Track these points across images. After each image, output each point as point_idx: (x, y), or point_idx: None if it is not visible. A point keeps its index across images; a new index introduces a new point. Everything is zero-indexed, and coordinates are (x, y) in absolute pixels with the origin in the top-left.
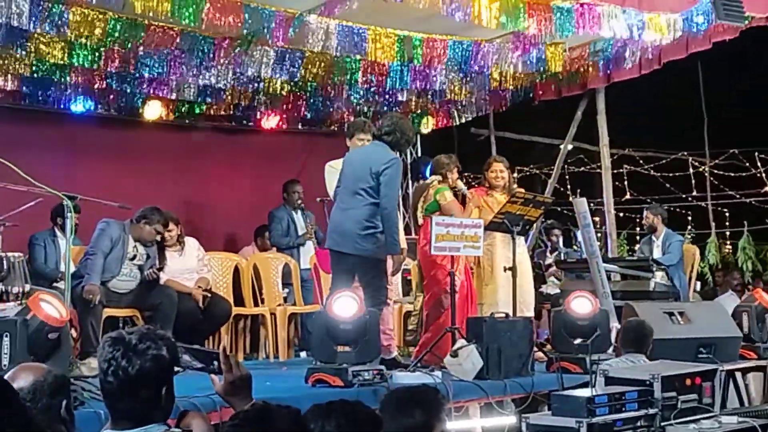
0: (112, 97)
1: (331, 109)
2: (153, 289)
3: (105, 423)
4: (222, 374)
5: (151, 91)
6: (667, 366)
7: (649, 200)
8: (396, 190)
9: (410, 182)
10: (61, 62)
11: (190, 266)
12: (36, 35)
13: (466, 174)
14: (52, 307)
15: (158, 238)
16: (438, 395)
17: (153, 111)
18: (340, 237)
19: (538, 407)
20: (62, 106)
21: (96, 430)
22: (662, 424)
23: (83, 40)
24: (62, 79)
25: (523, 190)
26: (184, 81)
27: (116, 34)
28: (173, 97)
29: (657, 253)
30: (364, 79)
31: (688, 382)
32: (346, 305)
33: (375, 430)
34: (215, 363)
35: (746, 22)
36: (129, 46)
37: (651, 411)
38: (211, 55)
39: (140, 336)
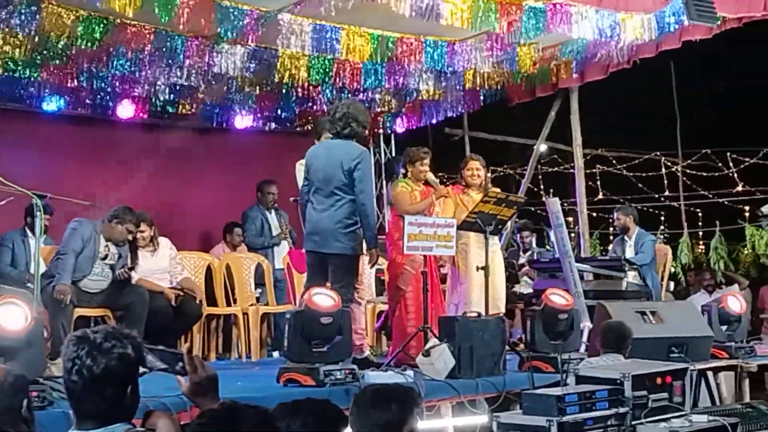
0: (84, 95)
1: (305, 109)
2: (124, 289)
3: (73, 423)
4: (188, 375)
5: (124, 90)
6: (638, 365)
7: (621, 200)
8: (371, 183)
9: (384, 182)
10: (32, 60)
11: (162, 266)
12: (5, 33)
13: (440, 174)
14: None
15: (130, 237)
16: (412, 392)
17: (125, 110)
18: (321, 238)
19: (510, 406)
20: (34, 105)
21: (64, 430)
22: (633, 422)
23: (54, 39)
24: (34, 78)
25: (498, 190)
26: (157, 80)
27: (88, 33)
28: (146, 96)
29: (629, 253)
30: (337, 78)
31: (659, 381)
32: (325, 300)
33: (341, 428)
34: (180, 364)
35: (718, 22)
36: (98, 45)
37: (621, 410)
38: (184, 54)
39: (105, 335)
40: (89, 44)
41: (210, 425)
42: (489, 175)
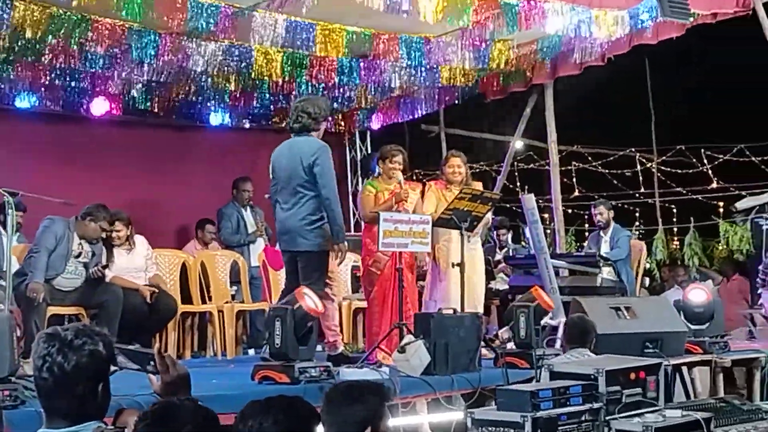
0: (57, 93)
1: (280, 105)
2: (98, 287)
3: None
4: (159, 374)
5: (98, 87)
6: (612, 360)
7: (597, 197)
8: (332, 177)
9: (360, 179)
10: (5, 57)
11: (138, 265)
12: None
13: (416, 170)
14: None
15: (103, 235)
16: (383, 388)
17: (99, 107)
18: (289, 237)
19: (486, 402)
20: (6, 102)
21: (35, 429)
22: (607, 418)
23: (27, 35)
24: (6, 75)
25: (480, 184)
26: (131, 77)
27: (61, 30)
28: (120, 93)
29: (605, 248)
30: (313, 74)
31: (633, 376)
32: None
33: (313, 425)
34: (151, 363)
35: (691, 19)
36: (73, 43)
37: (595, 405)
38: (157, 51)
39: (76, 332)
40: (62, 41)
41: (154, 425)
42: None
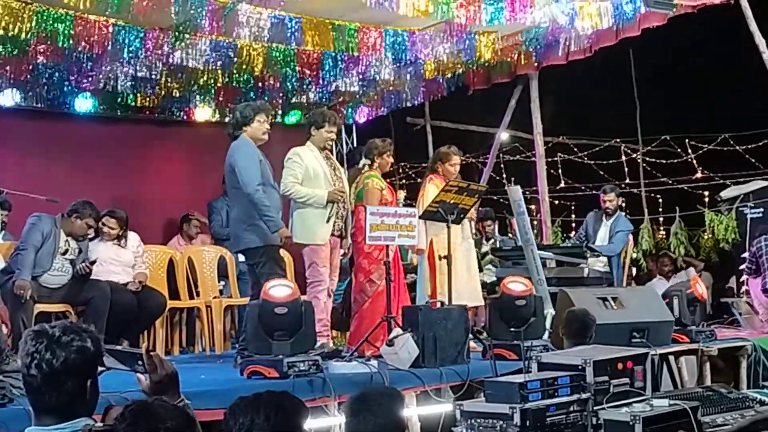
0: (41, 89)
1: (266, 100)
2: (85, 284)
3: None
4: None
5: (81, 83)
6: (599, 351)
7: (583, 188)
8: (249, 171)
9: (347, 172)
10: None
11: (125, 259)
12: None
13: (402, 164)
14: None
15: (90, 232)
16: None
17: (83, 103)
18: (233, 238)
19: (475, 394)
20: None
21: (24, 426)
22: (595, 408)
23: (9, 31)
24: None
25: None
26: (115, 73)
27: (43, 26)
28: (104, 89)
29: (603, 233)
30: (298, 68)
31: (620, 366)
32: (281, 291)
33: (302, 418)
34: (140, 363)
35: (674, 9)
36: (61, 40)
37: (583, 395)
38: (142, 47)
39: (63, 328)
40: (45, 37)
41: (134, 425)
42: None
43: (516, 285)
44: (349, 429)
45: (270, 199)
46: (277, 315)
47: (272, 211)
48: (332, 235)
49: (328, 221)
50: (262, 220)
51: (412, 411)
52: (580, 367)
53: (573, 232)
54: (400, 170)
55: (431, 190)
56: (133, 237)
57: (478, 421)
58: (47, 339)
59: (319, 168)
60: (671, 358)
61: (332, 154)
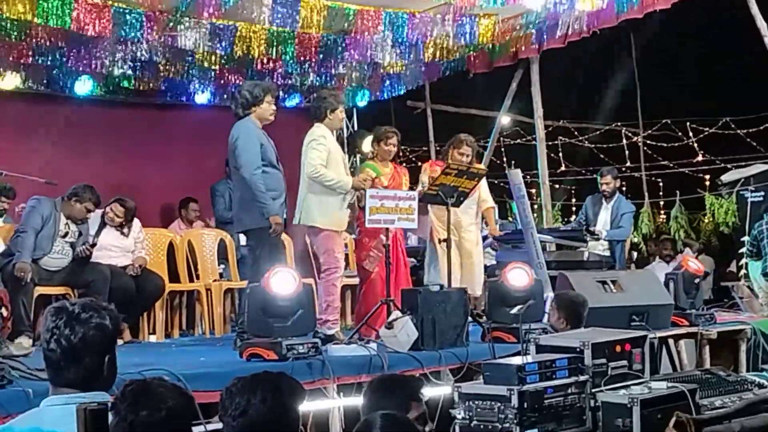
0: (41, 72)
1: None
2: (85, 267)
3: (33, 401)
4: None
5: (82, 67)
6: (598, 333)
7: (583, 171)
8: (248, 152)
9: (347, 155)
10: None
11: (126, 244)
12: None
13: (403, 147)
14: None
15: (89, 216)
16: (419, 379)
17: (83, 87)
18: (236, 219)
19: (473, 377)
20: None
21: (23, 409)
22: (592, 390)
23: (9, 15)
24: None
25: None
26: (115, 56)
27: (43, 12)
28: (104, 72)
29: (604, 216)
30: (298, 51)
31: (618, 348)
32: (284, 281)
33: (299, 399)
34: None
35: None
36: (61, 23)
37: (581, 378)
38: (142, 29)
39: (83, 306)
40: (46, 21)
41: (136, 404)
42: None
43: (516, 279)
44: (371, 405)
45: (272, 182)
46: (280, 306)
47: (267, 196)
48: None
49: (348, 207)
50: (258, 204)
51: None
52: (578, 350)
53: (573, 216)
54: (401, 154)
55: (424, 178)
56: (134, 223)
57: (476, 402)
58: (67, 315)
59: (338, 153)
60: (671, 341)
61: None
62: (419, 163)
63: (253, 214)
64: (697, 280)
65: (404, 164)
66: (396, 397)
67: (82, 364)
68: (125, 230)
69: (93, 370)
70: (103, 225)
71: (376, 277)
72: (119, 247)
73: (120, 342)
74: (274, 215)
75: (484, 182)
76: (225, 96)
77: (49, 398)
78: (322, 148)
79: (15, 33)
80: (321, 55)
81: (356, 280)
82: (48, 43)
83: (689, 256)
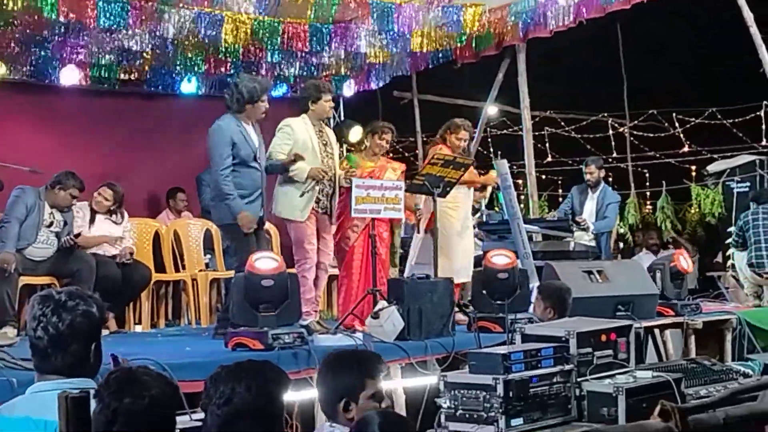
0: (26, 61)
1: (253, 73)
2: (71, 256)
3: (17, 390)
4: None
5: (67, 56)
6: (583, 322)
7: (570, 162)
8: (217, 152)
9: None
10: None
11: (115, 234)
12: None
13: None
14: None
15: (74, 203)
16: (367, 360)
17: (69, 76)
18: (212, 213)
19: (459, 366)
20: None
21: (8, 398)
22: (578, 379)
23: None
24: None
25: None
26: (101, 45)
27: (28, 1)
28: (90, 61)
29: (590, 206)
30: (285, 41)
31: (604, 338)
32: (267, 264)
33: (283, 388)
34: None
35: None
36: (47, 11)
37: (567, 367)
38: (127, 18)
39: (69, 294)
40: (30, 10)
41: (120, 392)
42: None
43: (499, 258)
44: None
45: (244, 180)
46: (263, 287)
47: (232, 196)
48: (321, 213)
49: (301, 196)
50: (223, 202)
51: (397, 383)
52: (563, 339)
53: (568, 196)
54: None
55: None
56: (123, 212)
57: (462, 392)
58: (54, 303)
59: (309, 141)
60: (656, 331)
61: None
62: (406, 154)
63: (222, 210)
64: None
65: (390, 154)
66: (352, 374)
67: (69, 351)
68: (116, 217)
69: (80, 357)
70: (93, 214)
71: (355, 261)
72: (114, 238)
73: (106, 332)
74: (240, 213)
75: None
76: (212, 86)
77: (35, 385)
78: (284, 137)
79: (1, 22)
80: (308, 45)
81: None
82: (34, 32)
83: (682, 251)
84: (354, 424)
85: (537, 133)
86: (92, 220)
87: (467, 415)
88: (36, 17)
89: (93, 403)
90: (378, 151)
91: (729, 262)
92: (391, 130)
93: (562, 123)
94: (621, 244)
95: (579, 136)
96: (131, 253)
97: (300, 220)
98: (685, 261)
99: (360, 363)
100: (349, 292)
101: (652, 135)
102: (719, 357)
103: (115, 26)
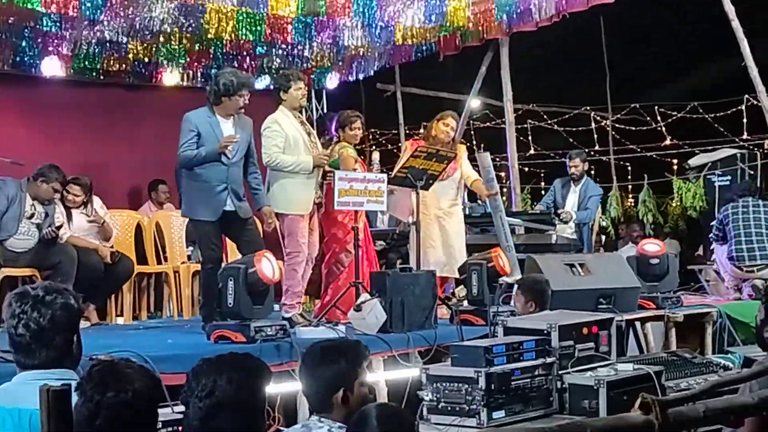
0: (7, 52)
1: (236, 65)
2: (52, 248)
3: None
4: None
5: (48, 47)
6: (565, 315)
7: (552, 155)
8: (180, 146)
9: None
10: None
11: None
12: None
13: (372, 130)
14: None
15: (56, 196)
16: (358, 350)
17: (51, 67)
18: None
19: (442, 359)
20: None
21: None
22: (560, 372)
23: None
24: None
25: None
26: (82, 36)
27: None
28: (71, 52)
29: (572, 199)
30: (267, 32)
31: (585, 331)
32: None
33: (265, 380)
34: None
35: None
36: (28, 2)
37: (548, 360)
38: (109, 8)
39: (45, 288)
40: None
41: (104, 385)
42: (421, 131)
43: (651, 246)
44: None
45: (207, 171)
46: (263, 284)
47: (198, 152)
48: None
49: (321, 188)
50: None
51: (379, 376)
52: (545, 332)
53: (550, 189)
54: (371, 137)
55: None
56: (95, 201)
57: (444, 384)
58: (32, 299)
59: (298, 134)
60: (637, 324)
61: (302, 115)
62: (389, 146)
63: (188, 204)
64: (654, 261)
65: (374, 147)
66: (345, 363)
67: (52, 345)
68: (88, 209)
69: (63, 350)
70: (68, 210)
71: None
72: (89, 229)
73: (87, 324)
74: (215, 147)
75: (465, 160)
76: (194, 77)
77: (16, 376)
78: (275, 135)
79: None
80: (290, 37)
81: None
82: (14, 23)
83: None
84: (352, 419)
85: (520, 126)
86: (69, 217)
87: (449, 408)
88: (18, 7)
89: (75, 397)
90: (353, 141)
91: (712, 256)
92: (359, 117)
93: (545, 116)
94: (603, 237)
95: (562, 129)
96: (112, 254)
97: (301, 214)
98: (652, 245)
99: (350, 352)
100: (336, 291)
101: (634, 128)
102: (700, 350)
103: (96, 17)
